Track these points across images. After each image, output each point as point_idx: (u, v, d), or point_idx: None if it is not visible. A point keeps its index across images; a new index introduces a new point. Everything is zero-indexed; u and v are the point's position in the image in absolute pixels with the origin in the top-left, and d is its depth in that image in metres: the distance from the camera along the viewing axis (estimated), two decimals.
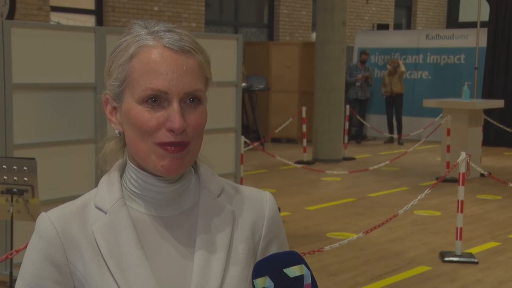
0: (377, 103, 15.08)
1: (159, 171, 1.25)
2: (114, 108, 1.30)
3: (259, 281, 1.22)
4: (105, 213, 1.28)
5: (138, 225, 1.28)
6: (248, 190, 1.39)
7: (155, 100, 1.23)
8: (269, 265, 1.23)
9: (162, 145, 1.23)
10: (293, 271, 1.23)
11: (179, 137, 1.22)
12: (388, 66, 14.13)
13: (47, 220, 1.27)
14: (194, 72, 1.25)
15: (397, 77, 13.90)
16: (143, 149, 1.24)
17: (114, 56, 1.28)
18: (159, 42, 1.25)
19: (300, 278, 1.23)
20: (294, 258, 1.25)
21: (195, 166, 1.36)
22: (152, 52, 1.24)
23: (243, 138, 6.97)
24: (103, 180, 1.33)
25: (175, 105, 1.22)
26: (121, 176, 1.33)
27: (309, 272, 1.25)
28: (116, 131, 1.30)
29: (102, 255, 1.24)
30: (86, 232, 1.26)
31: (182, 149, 1.24)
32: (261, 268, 1.23)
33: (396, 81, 13.91)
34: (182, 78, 1.23)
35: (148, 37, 1.25)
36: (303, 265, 1.24)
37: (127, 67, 1.25)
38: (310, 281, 1.24)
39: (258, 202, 1.37)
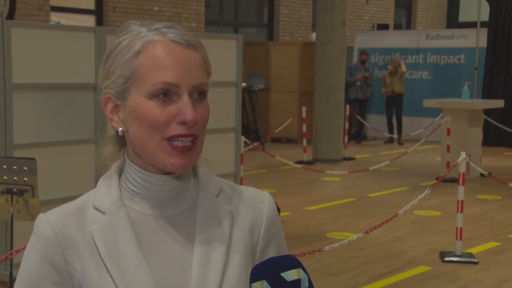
0: (377, 103, 15.08)
1: (169, 168, 1.25)
2: (116, 107, 1.29)
3: (256, 285, 1.22)
4: (104, 213, 1.28)
5: (136, 225, 1.28)
6: (246, 190, 1.39)
7: (165, 94, 1.23)
8: (267, 269, 1.23)
9: (172, 138, 1.23)
10: (290, 275, 1.23)
11: (190, 130, 1.23)
12: (389, 66, 14.12)
13: (45, 221, 1.27)
14: (200, 65, 1.26)
15: (398, 77, 13.90)
16: (152, 145, 1.24)
17: (115, 55, 1.28)
18: (165, 37, 1.25)
19: (297, 282, 1.23)
20: (291, 262, 1.25)
21: (193, 166, 1.36)
22: (159, 47, 1.24)
23: (243, 138, 6.97)
24: (101, 181, 1.32)
25: (185, 97, 1.23)
26: (120, 176, 1.33)
27: (307, 276, 1.25)
28: (120, 130, 1.30)
29: (100, 256, 1.24)
30: (84, 232, 1.26)
31: (191, 148, 1.24)
32: (258, 272, 1.23)
33: (397, 81, 13.92)
34: (191, 71, 1.24)
35: (152, 32, 1.26)
36: (301, 269, 1.24)
37: (133, 63, 1.25)
38: (307, 284, 1.24)
39: (257, 202, 1.37)
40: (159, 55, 1.24)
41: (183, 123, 1.22)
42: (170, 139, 1.23)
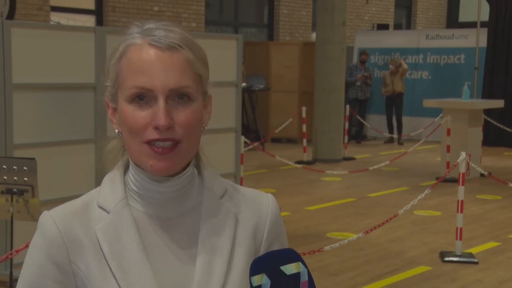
0: (377, 103, 15.08)
1: (148, 171, 1.25)
2: (114, 109, 1.30)
3: (255, 279, 1.22)
4: (108, 213, 1.27)
5: (140, 225, 1.28)
6: (250, 192, 1.39)
7: (142, 98, 1.22)
8: (266, 263, 1.23)
9: (149, 142, 1.22)
10: (290, 269, 1.23)
11: (164, 134, 1.21)
12: (391, 66, 14.09)
13: (49, 219, 1.26)
14: (181, 68, 1.23)
15: (399, 76, 13.89)
16: (134, 149, 1.25)
17: (110, 57, 1.29)
18: (145, 40, 1.24)
19: (297, 275, 1.23)
20: (291, 256, 1.25)
21: (198, 167, 1.36)
22: (137, 50, 1.24)
23: (243, 138, 6.97)
24: (106, 179, 1.32)
25: (160, 102, 1.21)
26: (124, 175, 1.33)
27: (306, 269, 1.25)
28: (116, 132, 1.30)
29: (104, 256, 1.24)
30: (88, 231, 1.26)
31: (171, 150, 1.23)
32: (258, 266, 1.23)
33: (398, 80, 13.91)
34: (167, 74, 1.22)
35: (136, 35, 1.25)
36: (300, 263, 1.24)
37: (117, 67, 1.26)
38: (306, 278, 1.24)
39: (260, 204, 1.37)
40: (135, 59, 1.23)
41: (156, 127, 1.21)
42: (149, 142, 1.22)
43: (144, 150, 1.23)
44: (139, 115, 1.22)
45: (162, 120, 1.20)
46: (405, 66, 13.94)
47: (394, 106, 14.09)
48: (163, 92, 1.21)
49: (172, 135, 1.22)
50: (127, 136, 1.25)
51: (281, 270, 1.23)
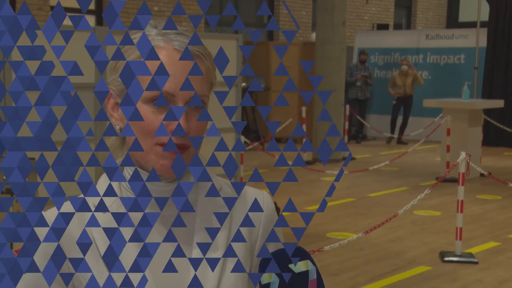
0: (377, 103, 15.08)
1: (158, 170, 1.25)
2: (117, 103, 1.30)
3: (264, 277, 1.22)
4: (103, 212, 1.27)
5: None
6: (245, 190, 1.39)
7: None
8: (275, 261, 1.24)
9: (163, 144, 1.23)
10: (298, 267, 1.24)
11: (180, 139, 1.23)
12: (404, 67, 13.92)
13: (46, 219, 1.27)
14: (201, 77, 1.26)
15: (411, 80, 13.87)
16: (143, 148, 1.25)
17: (123, 52, 1.28)
18: (170, 44, 1.25)
19: (305, 273, 1.24)
20: (300, 254, 1.25)
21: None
22: (162, 54, 1.24)
23: (243, 138, 6.97)
24: (102, 178, 1.33)
25: None
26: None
27: (315, 267, 1.25)
28: (117, 127, 1.30)
29: (100, 255, 1.24)
30: (85, 231, 1.26)
31: (183, 151, 1.24)
32: (266, 263, 1.23)
33: (410, 83, 13.90)
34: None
35: (159, 38, 1.26)
36: (309, 261, 1.25)
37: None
38: (315, 276, 1.25)
39: (255, 201, 1.37)
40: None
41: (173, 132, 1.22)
42: (162, 144, 1.23)
43: (155, 149, 1.24)
44: (155, 117, 1.23)
45: (181, 125, 1.21)
46: (421, 81, 13.95)
47: (403, 106, 14.08)
48: (183, 99, 1.23)
49: (185, 141, 1.24)
50: (135, 134, 1.25)
51: (290, 268, 1.23)
